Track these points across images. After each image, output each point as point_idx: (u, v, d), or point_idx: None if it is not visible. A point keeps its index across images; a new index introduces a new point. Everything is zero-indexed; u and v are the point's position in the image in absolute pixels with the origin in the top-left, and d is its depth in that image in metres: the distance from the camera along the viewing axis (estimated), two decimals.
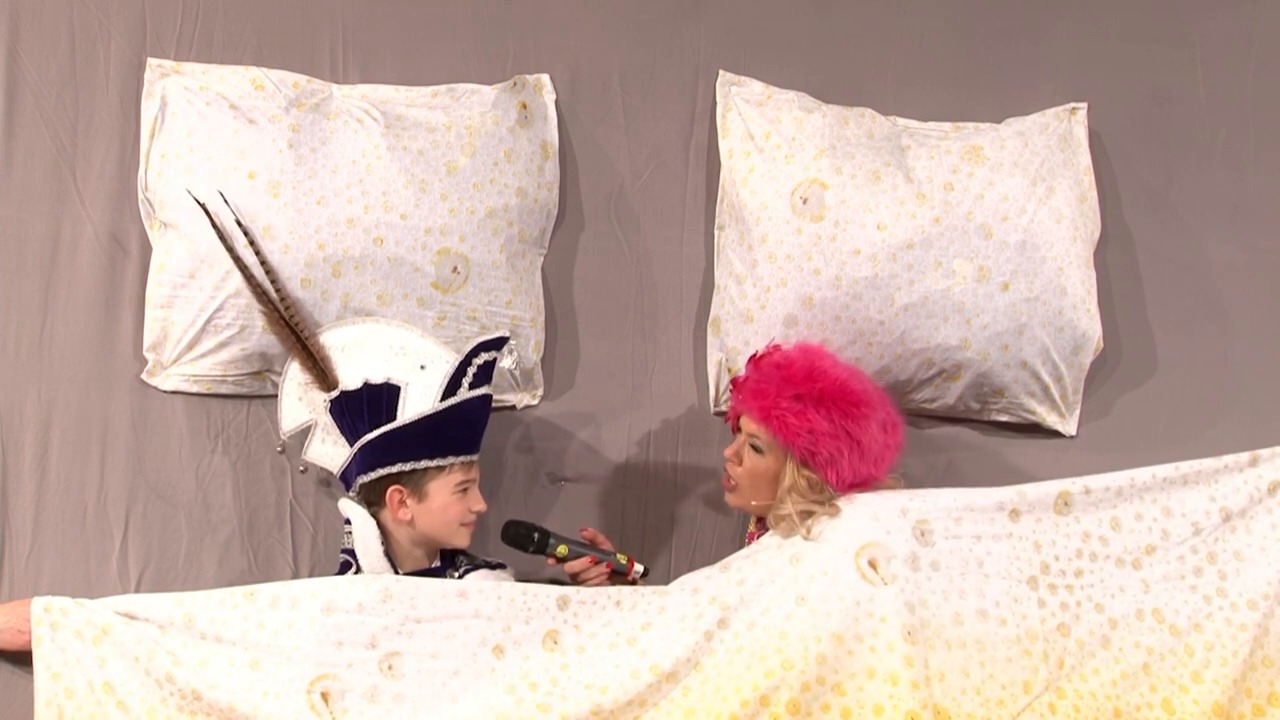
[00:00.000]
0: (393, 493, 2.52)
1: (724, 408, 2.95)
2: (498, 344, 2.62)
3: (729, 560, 2.49)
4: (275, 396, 2.75)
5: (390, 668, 2.28)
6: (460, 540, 2.58)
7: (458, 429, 2.55)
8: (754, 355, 2.69)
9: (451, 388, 2.55)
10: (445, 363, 2.59)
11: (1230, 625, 2.39)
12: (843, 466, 2.48)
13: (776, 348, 2.67)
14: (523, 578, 2.62)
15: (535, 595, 2.39)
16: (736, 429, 2.65)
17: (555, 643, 2.35)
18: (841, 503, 2.48)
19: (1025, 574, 2.37)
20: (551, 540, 2.57)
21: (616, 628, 2.37)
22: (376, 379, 2.59)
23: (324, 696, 2.26)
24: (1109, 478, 2.47)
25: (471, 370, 2.57)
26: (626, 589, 2.47)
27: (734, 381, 2.68)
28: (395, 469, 2.52)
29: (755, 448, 2.57)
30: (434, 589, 2.35)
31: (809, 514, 2.48)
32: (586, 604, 2.40)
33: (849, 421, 2.50)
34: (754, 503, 2.59)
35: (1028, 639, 2.34)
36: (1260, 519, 2.45)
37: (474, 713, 2.27)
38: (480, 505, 2.57)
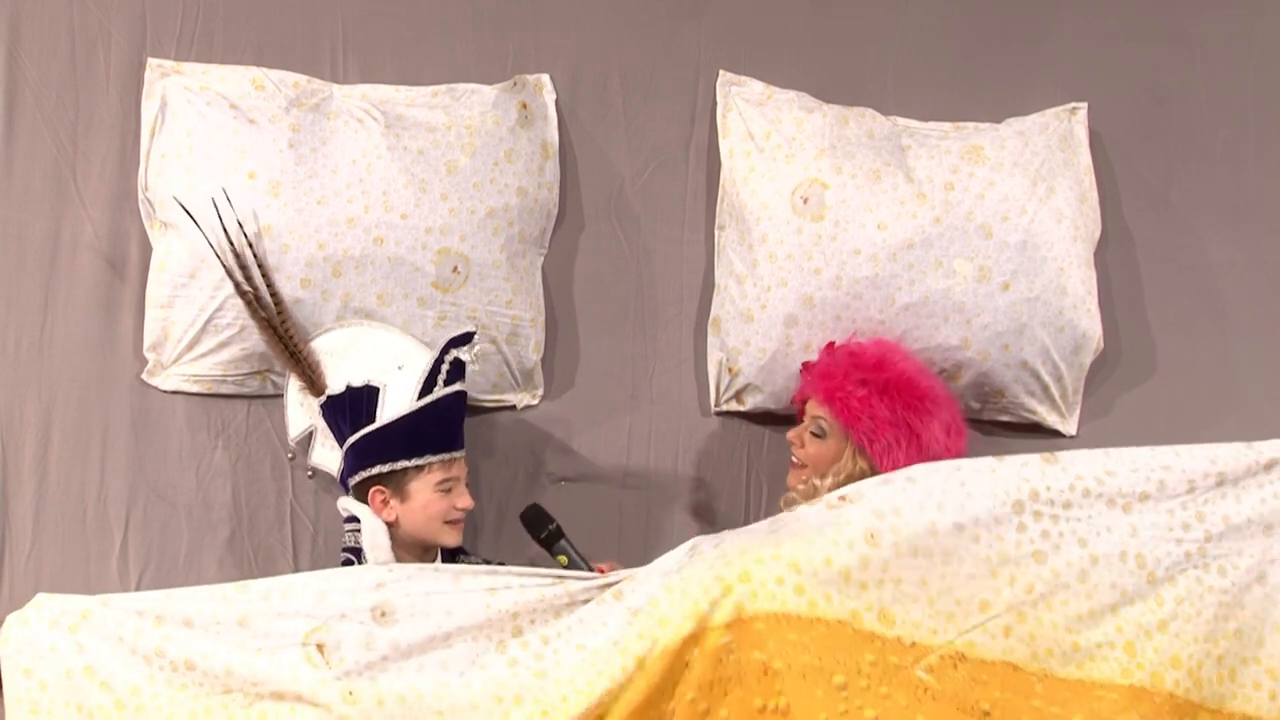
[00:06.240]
0: (374, 494, 2.51)
1: (725, 407, 2.96)
2: (466, 339, 2.61)
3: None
4: (275, 396, 2.76)
5: (383, 615, 2.27)
6: (448, 539, 2.55)
7: (433, 427, 2.53)
8: (830, 343, 2.74)
9: (428, 386, 2.55)
10: (423, 361, 2.58)
11: (1200, 585, 2.37)
12: (898, 457, 2.49)
13: (853, 338, 2.72)
14: None
15: (532, 578, 2.32)
16: (803, 414, 2.68)
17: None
18: None
19: (1012, 498, 2.32)
20: (561, 543, 2.53)
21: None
22: (358, 381, 2.59)
23: (319, 648, 2.26)
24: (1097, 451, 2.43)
25: (445, 367, 2.56)
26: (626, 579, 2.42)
27: (804, 365, 2.73)
28: (375, 470, 2.51)
29: (816, 433, 2.59)
30: (429, 575, 2.30)
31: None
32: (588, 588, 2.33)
33: (911, 414, 2.52)
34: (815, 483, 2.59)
35: (998, 560, 2.29)
36: (1252, 491, 2.45)
37: (473, 675, 2.26)
38: (466, 502, 2.54)
